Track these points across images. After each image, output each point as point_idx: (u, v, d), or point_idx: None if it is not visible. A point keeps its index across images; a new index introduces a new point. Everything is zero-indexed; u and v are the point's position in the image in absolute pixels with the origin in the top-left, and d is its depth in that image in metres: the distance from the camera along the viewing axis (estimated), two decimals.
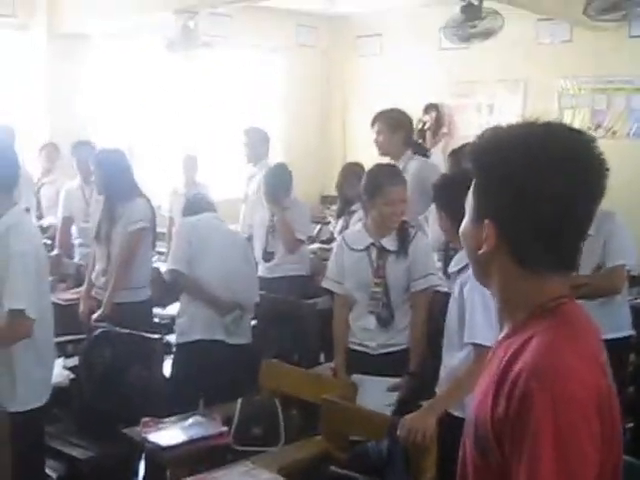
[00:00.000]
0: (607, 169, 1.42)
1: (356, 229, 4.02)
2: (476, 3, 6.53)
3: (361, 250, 3.78)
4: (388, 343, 3.76)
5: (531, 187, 1.38)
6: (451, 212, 3.11)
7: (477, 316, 2.92)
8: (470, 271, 1.65)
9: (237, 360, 4.32)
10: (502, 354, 1.41)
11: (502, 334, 1.49)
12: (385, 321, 3.72)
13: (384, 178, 3.76)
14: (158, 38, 7.95)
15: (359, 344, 3.80)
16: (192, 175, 7.72)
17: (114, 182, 4.79)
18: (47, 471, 3.67)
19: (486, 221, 1.43)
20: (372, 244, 3.77)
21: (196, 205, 4.79)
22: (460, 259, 3.06)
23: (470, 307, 2.96)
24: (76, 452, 3.72)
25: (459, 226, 1.54)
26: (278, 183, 5.64)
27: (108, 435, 3.64)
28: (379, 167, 3.99)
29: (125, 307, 4.69)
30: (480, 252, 1.45)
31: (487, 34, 6.76)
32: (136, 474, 4.36)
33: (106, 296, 4.72)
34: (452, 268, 3.19)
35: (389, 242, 3.75)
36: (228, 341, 4.41)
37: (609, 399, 1.36)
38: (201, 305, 4.41)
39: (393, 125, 4.86)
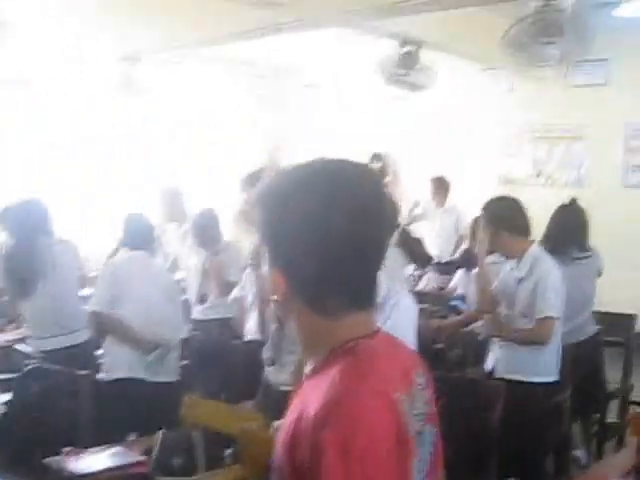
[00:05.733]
0: (386, 203, 1.41)
1: None
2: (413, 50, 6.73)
3: None
4: None
5: (305, 233, 1.34)
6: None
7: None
8: None
9: (162, 397, 4.40)
10: (302, 395, 1.39)
11: (307, 373, 1.45)
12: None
13: None
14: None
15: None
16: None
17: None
18: None
19: (274, 269, 1.40)
20: None
21: (132, 239, 4.88)
22: None
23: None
24: None
25: None
26: (206, 227, 5.80)
27: (37, 468, 3.74)
28: None
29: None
30: (276, 298, 1.43)
31: (417, 87, 6.92)
32: None
33: None
34: None
35: None
36: (150, 379, 4.53)
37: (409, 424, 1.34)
38: (123, 344, 4.52)
39: None
